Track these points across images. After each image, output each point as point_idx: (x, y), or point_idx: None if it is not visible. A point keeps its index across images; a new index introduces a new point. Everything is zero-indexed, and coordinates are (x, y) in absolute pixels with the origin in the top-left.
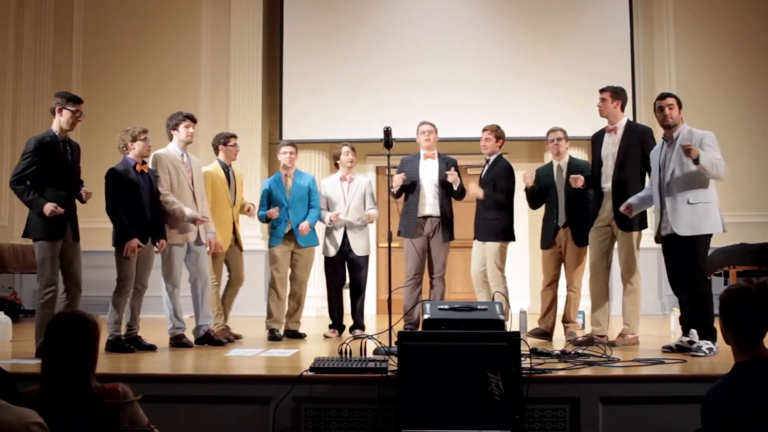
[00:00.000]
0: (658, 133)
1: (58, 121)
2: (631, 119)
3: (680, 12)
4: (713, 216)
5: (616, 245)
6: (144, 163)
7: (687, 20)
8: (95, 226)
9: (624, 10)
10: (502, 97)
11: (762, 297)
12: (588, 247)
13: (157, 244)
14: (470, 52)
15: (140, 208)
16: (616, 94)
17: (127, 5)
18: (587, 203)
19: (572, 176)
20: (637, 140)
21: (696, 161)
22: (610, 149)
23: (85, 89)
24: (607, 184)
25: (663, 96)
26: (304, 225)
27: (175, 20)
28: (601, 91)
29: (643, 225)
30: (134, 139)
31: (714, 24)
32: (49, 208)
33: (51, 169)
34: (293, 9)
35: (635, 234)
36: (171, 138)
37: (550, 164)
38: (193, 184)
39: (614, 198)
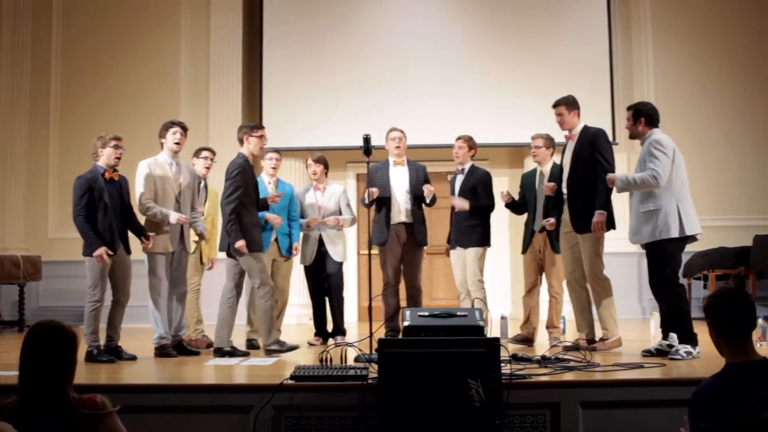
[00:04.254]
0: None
1: (247, 148)
2: (610, 125)
3: (658, 17)
4: (662, 222)
5: None
6: (115, 171)
7: (665, 25)
8: (75, 236)
9: (602, 15)
10: (482, 103)
11: (739, 296)
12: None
13: (142, 240)
14: (450, 60)
15: (108, 217)
16: (570, 104)
17: (107, 18)
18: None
19: (546, 185)
20: (587, 143)
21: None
22: (567, 156)
23: (64, 103)
24: (565, 190)
25: (627, 109)
26: (297, 246)
27: (155, 31)
28: (555, 106)
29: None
30: (104, 146)
31: (691, 29)
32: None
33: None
34: (273, 19)
35: (595, 236)
36: (162, 146)
37: (535, 170)
38: (179, 193)
39: (569, 202)
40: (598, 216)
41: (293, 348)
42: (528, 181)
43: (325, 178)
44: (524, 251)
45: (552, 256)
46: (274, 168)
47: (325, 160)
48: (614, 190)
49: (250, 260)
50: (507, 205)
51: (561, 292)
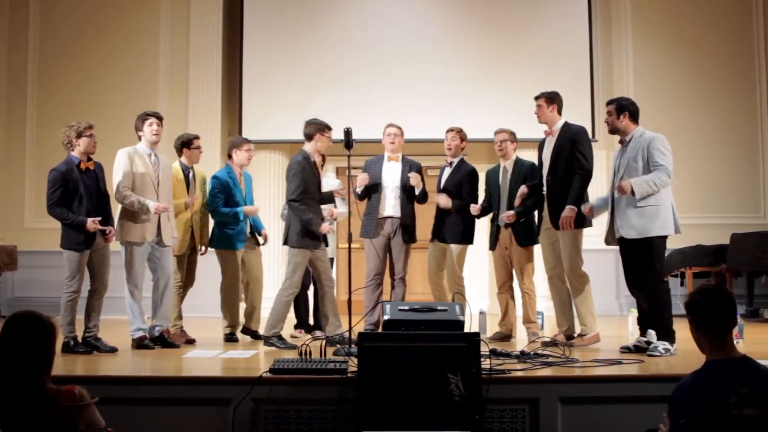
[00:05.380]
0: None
1: (314, 146)
2: (590, 121)
3: (638, 15)
4: (662, 218)
5: None
6: (90, 159)
7: (645, 23)
8: (51, 226)
9: (583, 13)
10: (462, 98)
11: (721, 293)
12: (533, 247)
13: (106, 231)
14: (431, 54)
15: (84, 208)
16: (551, 99)
17: (86, 4)
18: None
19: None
20: (568, 140)
21: (633, 195)
22: (547, 152)
23: (41, 91)
24: (544, 188)
25: (606, 104)
26: (265, 233)
27: (134, 20)
28: (536, 98)
29: (583, 224)
30: (79, 136)
31: (671, 27)
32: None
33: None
34: (253, 9)
35: (574, 232)
36: (140, 138)
37: (498, 165)
38: (158, 186)
39: (548, 199)
40: (569, 211)
41: (292, 347)
42: (492, 177)
43: (321, 170)
44: (491, 247)
45: (518, 251)
46: (249, 159)
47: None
48: (588, 186)
49: (299, 255)
50: (476, 217)
51: (532, 287)
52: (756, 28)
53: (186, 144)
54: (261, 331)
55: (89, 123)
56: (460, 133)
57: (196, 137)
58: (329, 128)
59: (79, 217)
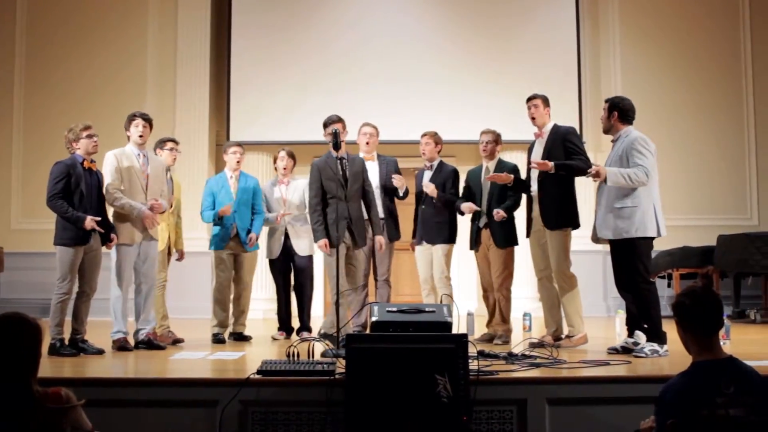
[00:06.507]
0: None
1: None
2: (578, 122)
3: (625, 15)
4: (639, 219)
5: None
6: (93, 161)
7: (632, 22)
8: (38, 227)
9: (571, 12)
10: (451, 99)
11: (708, 295)
12: (513, 250)
13: (110, 237)
14: (419, 55)
15: (84, 205)
16: (546, 100)
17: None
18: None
19: (498, 174)
20: (559, 140)
21: (605, 182)
22: (537, 154)
23: (28, 84)
24: (534, 187)
25: (604, 102)
26: (253, 237)
27: (122, 19)
28: (532, 98)
29: (573, 225)
30: (77, 138)
31: (659, 27)
32: None
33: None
34: (241, 9)
35: (563, 233)
36: (128, 138)
37: (480, 166)
38: (146, 186)
39: (540, 200)
40: (544, 165)
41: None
42: (474, 177)
43: (290, 173)
44: (471, 247)
45: (495, 252)
46: (238, 162)
47: (294, 154)
48: (571, 180)
49: (327, 256)
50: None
51: (506, 293)
52: (743, 28)
53: (159, 146)
54: (246, 332)
55: (86, 124)
56: (434, 137)
57: (170, 140)
58: (330, 122)
59: (78, 212)
